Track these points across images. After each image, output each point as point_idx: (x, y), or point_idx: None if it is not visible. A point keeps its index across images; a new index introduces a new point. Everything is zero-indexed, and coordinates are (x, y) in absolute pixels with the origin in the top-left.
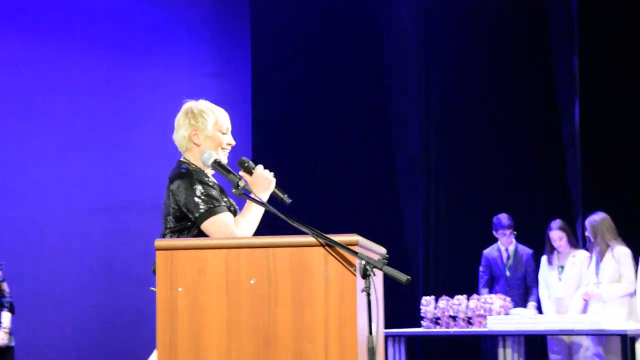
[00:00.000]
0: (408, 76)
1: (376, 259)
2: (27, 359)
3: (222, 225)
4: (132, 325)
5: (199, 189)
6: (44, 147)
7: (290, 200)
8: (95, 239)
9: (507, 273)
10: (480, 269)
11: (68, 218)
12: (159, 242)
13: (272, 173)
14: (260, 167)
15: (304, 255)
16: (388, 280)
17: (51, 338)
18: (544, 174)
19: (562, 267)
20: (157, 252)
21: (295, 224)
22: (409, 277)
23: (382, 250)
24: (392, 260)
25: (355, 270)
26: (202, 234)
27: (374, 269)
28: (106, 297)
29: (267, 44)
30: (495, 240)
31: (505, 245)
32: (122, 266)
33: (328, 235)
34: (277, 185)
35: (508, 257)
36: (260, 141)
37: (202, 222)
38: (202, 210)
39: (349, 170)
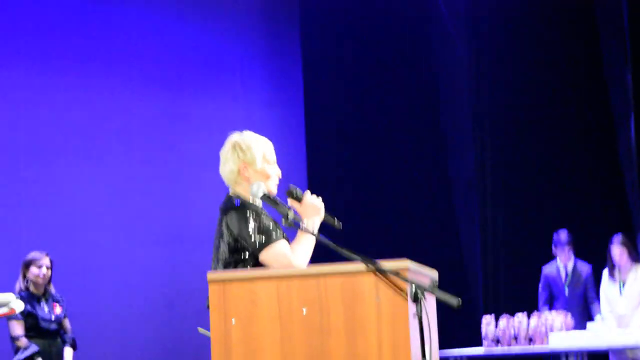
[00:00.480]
0: (460, 99)
1: (427, 282)
2: None
3: (280, 255)
4: (195, 358)
5: (254, 220)
6: (101, 183)
7: (341, 224)
8: (156, 272)
9: (567, 290)
10: (540, 287)
11: (128, 252)
12: (212, 275)
13: (320, 198)
14: (308, 193)
15: (355, 282)
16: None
17: None
18: (601, 188)
19: (624, 283)
20: (210, 285)
21: (345, 253)
22: (460, 299)
23: (434, 273)
24: (452, 281)
25: (406, 295)
26: (258, 266)
27: (425, 293)
28: (169, 330)
29: (319, 72)
30: (554, 257)
31: (564, 262)
32: (183, 300)
33: (378, 262)
34: (328, 211)
35: (567, 275)
36: (315, 169)
37: (260, 254)
38: (259, 242)
39: (406, 195)
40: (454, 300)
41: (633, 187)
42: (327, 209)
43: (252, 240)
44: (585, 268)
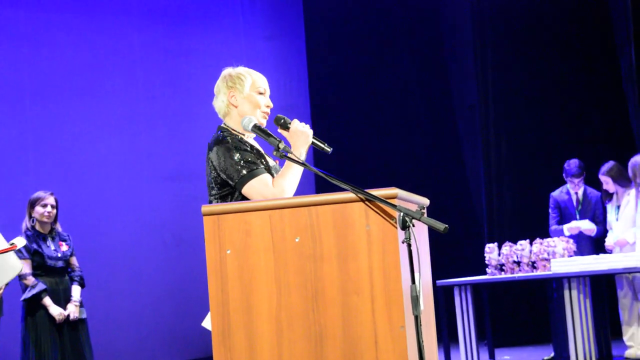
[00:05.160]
0: (462, 23)
1: (414, 209)
2: (103, 329)
3: (260, 187)
4: (205, 292)
5: (236, 154)
6: (106, 121)
7: (331, 149)
8: (165, 208)
9: (578, 216)
10: (550, 210)
11: (136, 189)
12: (206, 208)
13: (307, 125)
14: (295, 121)
15: (346, 211)
16: (457, 231)
17: (126, 308)
18: (604, 113)
19: (619, 207)
20: (205, 218)
21: (335, 181)
22: (447, 225)
23: (425, 201)
24: (458, 209)
25: (395, 222)
26: (244, 199)
27: (413, 220)
28: (177, 266)
29: (319, 3)
30: (560, 183)
31: (574, 190)
32: (192, 234)
33: (367, 190)
34: (330, 141)
35: (578, 201)
36: (318, 100)
37: (241, 187)
38: (240, 176)
39: (410, 124)
40: (440, 226)
41: (636, 110)
42: (330, 139)
43: (234, 174)
44: (594, 194)
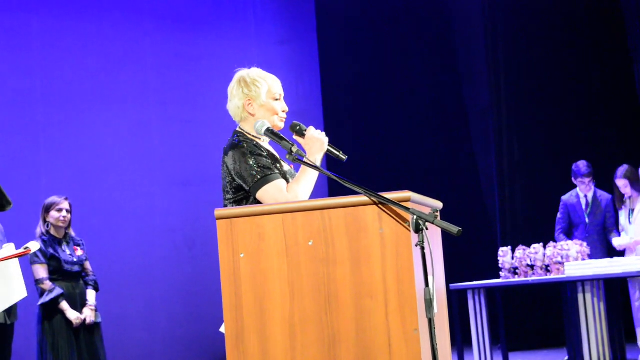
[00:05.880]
0: (474, 27)
1: (428, 212)
2: (116, 333)
3: (274, 192)
4: (218, 296)
5: (251, 159)
6: (118, 125)
7: (346, 157)
8: (177, 213)
9: (587, 220)
10: (559, 216)
11: (148, 194)
12: (219, 212)
13: (323, 133)
14: (311, 128)
15: (359, 214)
16: (470, 235)
17: (138, 312)
18: (617, 117)
19: (632, 211)
20: (218, 221)
21: (348, 185)
22: (460, 228)
23: (438, 204)
24: (471, 212)
25: (409, 225)
26: (259, 204)
27: (427, 223)
28: (190, 270)
29: (331, 7)
30: (573, 186)
31: (584, 192)
32: (205, 239)
33: (381, 193)
34: (343, 145)
35: (587, 204)
36: (330, 104)
37: (255, 192)
38: (254, 181)
39: (422, 127)
40: (454, 229)
41: None
42: (343, 142)
43: (249, 179)
44: (605, 197)
